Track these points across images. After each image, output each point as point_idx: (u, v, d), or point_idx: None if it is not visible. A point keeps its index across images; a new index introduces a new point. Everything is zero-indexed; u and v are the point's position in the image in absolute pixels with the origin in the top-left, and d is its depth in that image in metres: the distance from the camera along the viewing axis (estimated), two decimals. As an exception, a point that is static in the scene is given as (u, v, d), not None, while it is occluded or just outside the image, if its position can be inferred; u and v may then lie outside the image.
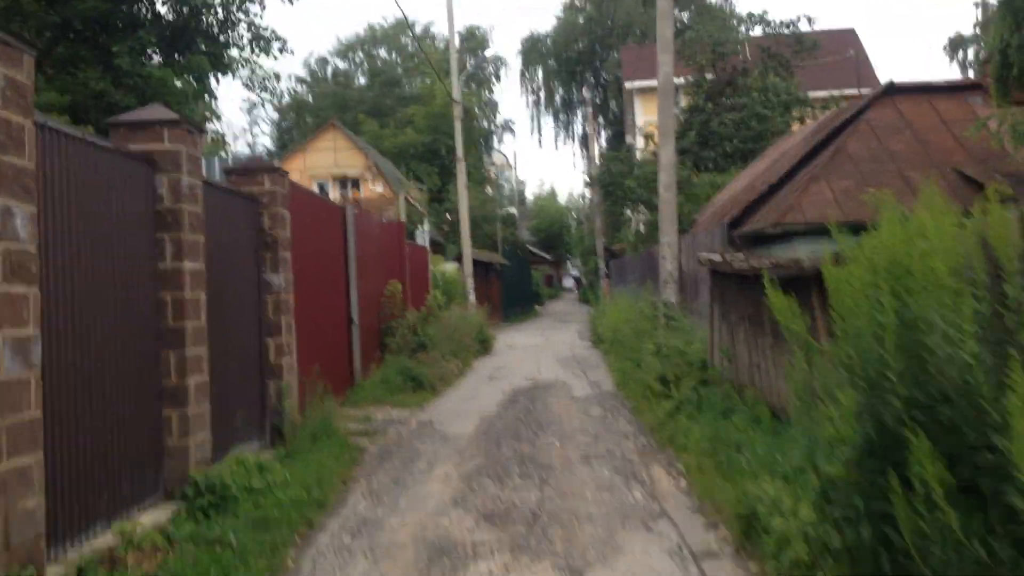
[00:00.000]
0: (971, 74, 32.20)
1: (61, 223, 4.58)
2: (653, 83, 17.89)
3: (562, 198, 68.77)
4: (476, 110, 44.37)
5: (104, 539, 4.65)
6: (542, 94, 51.99)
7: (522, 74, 52.33)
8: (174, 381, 5.71)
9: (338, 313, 11.00)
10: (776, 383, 6.64)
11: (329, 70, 55.55)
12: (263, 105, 52.01)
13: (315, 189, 29.45)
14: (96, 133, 5.86)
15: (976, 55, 35.39)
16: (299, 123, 51.56)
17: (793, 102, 23.56)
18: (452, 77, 24.37)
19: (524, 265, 42.52)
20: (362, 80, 54.40)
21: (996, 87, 9.26)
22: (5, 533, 3.69)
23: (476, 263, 25.49)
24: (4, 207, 3.84)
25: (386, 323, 13.20)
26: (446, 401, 11.67)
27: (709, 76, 24.75)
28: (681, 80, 22.36)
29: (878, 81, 25.61)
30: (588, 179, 36.15)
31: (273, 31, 16.93)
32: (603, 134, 47.95)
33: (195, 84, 15.46)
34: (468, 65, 47.78)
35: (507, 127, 58.47)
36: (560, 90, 51.31)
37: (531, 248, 55.36)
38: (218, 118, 32.51)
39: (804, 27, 25.41)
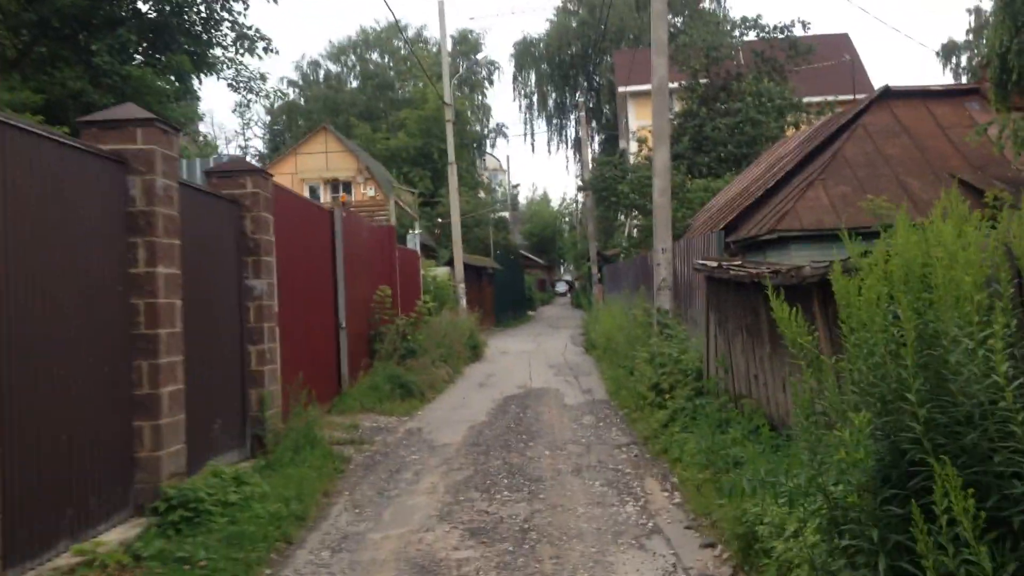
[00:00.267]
0: (964, 80, 32.11)
1: (21, 225, 4.34)
2: (646, 87, 17.70)
3: (555, 203, 68.45)
4: (468, 114, 44.15)
5: (66, 559, 4.39)
6: (535, 98, 51.72)
7: (515, 78, 52.06)
8: (146, 390, 5.46)
9: (325, 319, 10.74)
10: (775, 394, 6.42)
11: (321, 73, 55.24)
12: (249, 106, 51.54)
13: (306, 192, 29.22)
14: (72, 134, 5.61)
15: (969, 61, 35.34)
16: (291, 126, 51.21)
17: (787, 107, 23.40)
18: (444, 81, 24.17)
19: (517, 269, 42.27)
20: (354, 83, 54.09)
21: (995, 92, 9.07)
22: (-47, 557, 3.44)
23: (468, 267, 25.22)
24: (-44, 207, 3.60)
25: (375, 329, 12.94)
26: (435, 409, 11.44)
27: (703, 81, 24.57)
28: (675, 85, 22.15)
29: (872, 87, 25.46)
30: (581, 184, 35.90)
31: (258, 30, 16.77)
32: (596, 138, 47.80)
33: (176, 83, 15.18)
34: (460, 69, 47.47)
35: (500, 131, 58.01)
36: (553, 94, 51.03)
37: (524, 252, 55.18)
38: (201, 119, 32.20)
39: (798, 32, 25.26)
